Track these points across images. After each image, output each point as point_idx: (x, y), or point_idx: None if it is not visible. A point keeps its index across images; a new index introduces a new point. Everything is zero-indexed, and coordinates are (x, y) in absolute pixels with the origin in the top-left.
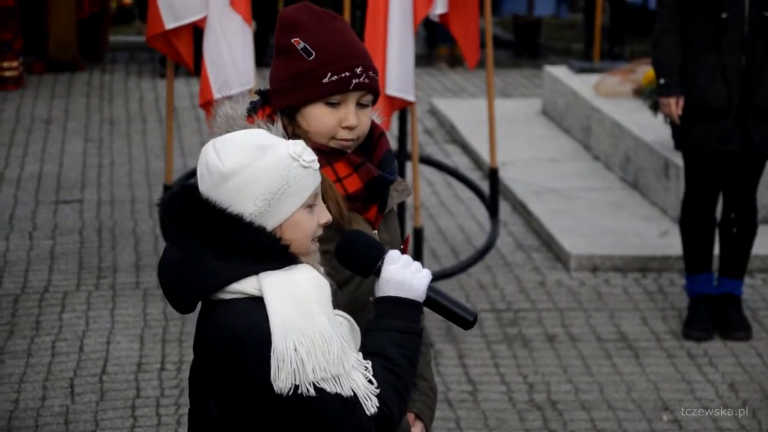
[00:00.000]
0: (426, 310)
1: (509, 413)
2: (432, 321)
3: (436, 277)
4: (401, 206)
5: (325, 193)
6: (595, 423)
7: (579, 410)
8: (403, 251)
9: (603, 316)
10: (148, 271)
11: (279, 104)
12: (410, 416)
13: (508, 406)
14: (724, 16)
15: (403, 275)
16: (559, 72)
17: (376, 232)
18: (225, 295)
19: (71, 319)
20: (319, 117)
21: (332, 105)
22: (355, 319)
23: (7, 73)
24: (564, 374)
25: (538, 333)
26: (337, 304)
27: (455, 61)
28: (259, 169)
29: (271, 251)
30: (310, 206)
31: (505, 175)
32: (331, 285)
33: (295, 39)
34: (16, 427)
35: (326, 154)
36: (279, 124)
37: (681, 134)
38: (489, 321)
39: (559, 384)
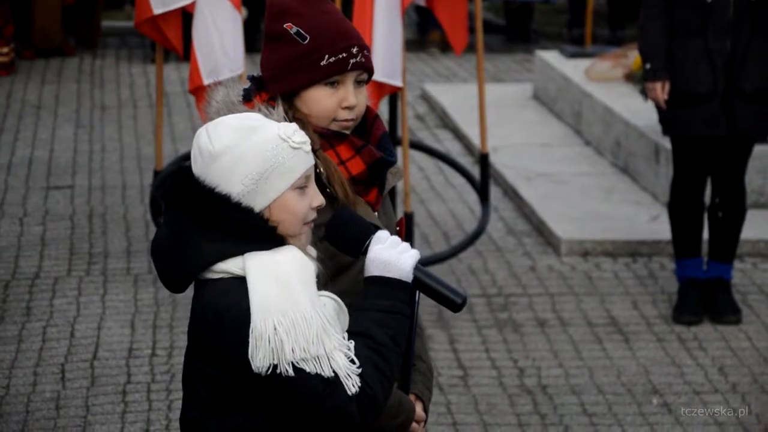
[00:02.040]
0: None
1: (500, 398)
2: (423, 306)
3: (427, 262)
4: (392, 191)
5: (330, 176)
6: (585, 407)
7: (569, 394)
8: (399, 233)
9: (593, 301)
10: (139, 256)
11: (276, 90)
12: (411, 396)
13: (498, 390)
14: (709, 0)
15: (388, 255)
16: (551, 57)
17: (376, 214)
18: (212, 275)
19: (62, 305)
20: (320, 99)
21: (331, 86)
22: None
23: None
24: (554, 359)
25: (529, 318)
26: (323, 286)
27: (447, 46)
28: (246, 150)
29: (257, 231)
30: (301, 188)
31: (496, 160)
32: (318, 267)
33: (287, 24)
34: (7, 412)
35: (328, 138)
36: (280, 109)
37: (667, 119)
38: (480, 306)
39: (549, 368)
